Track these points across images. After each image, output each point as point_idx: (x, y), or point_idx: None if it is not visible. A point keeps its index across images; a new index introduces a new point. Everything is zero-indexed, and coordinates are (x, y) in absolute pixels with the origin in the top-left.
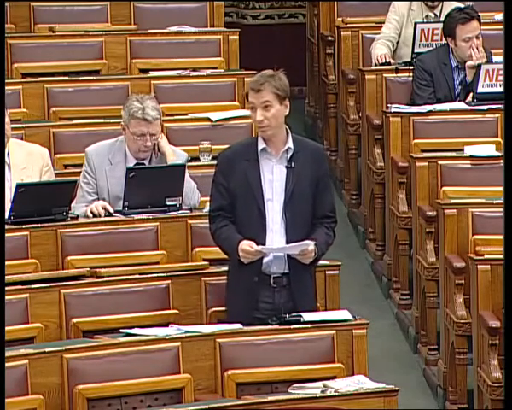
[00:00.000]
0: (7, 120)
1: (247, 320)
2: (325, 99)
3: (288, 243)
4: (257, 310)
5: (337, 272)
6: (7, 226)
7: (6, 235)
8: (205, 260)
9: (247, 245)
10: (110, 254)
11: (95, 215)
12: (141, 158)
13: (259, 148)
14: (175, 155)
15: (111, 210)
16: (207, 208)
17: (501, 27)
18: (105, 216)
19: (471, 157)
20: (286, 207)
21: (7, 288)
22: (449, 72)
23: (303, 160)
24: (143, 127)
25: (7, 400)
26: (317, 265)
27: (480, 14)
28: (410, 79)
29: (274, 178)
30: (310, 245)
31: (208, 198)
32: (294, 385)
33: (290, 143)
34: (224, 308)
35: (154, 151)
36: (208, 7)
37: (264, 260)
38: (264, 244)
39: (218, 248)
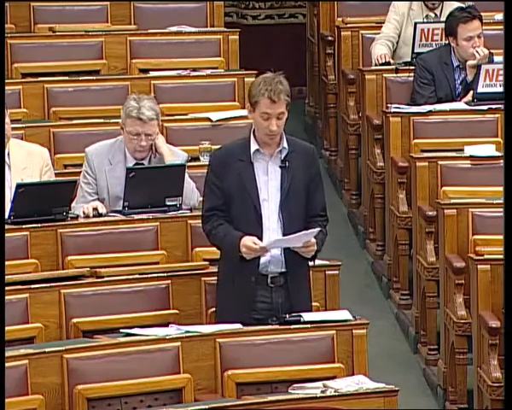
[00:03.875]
0: (7, 120)
1: (245, 321)
2: (325, 99)
3: None
4: (254, 310)
5: (337, 272)
6: (7, 226)
7: (6, 235)
8: (205, 260)
9: (250, 241)
10: (110, 254)
11: (86, 215)
12: (138, 158)
13: (252, 149)
14: (173, 155)
15: (100, 211)
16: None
17: (501, 27)
18: (93, 217)
19: (471, 157)
20: (282, 206)
21: (7, 288)
22: (450, 71)
23: (296, 159)
24: (138, 127)
25: (7, 400)
26: (313, 264)
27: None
28: (410, 79)
29: (269, 178)
30: (312, 234)
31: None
32: (294, 385)
33: (285, 144)
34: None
35: (153, 152)
36: (208, 7)
37: (262, 260)
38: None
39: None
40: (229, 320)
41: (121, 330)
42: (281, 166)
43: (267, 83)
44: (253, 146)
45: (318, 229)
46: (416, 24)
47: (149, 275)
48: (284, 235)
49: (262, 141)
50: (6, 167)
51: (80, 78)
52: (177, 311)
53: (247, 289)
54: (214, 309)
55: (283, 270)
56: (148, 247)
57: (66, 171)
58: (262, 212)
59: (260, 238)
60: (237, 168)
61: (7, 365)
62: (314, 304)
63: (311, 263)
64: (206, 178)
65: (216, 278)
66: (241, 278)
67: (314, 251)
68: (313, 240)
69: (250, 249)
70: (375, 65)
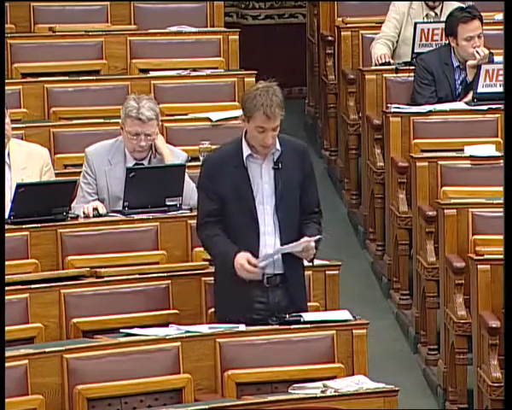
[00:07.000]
0: (7, 120)
1: (244, 321)
2: (325, 99)
3: (281, 243)
4: (252, 311)
5: (337, 272)
6: (7, 226)
7: (6, 235)
8: (204, 260)
9: (244, 259)
10: (110, 254)
11: (86, 215)
12: (137, 158)
13: (245, 154)
14: (173, 155)
15: (101, 211)
16: None
17: (501, 27)
18: (93, 217)
19: (471, 157)
20: (277, 208)
21: (7, 288)
22: (450, 71)
23: (289, 159)
24: (137, 127)
25: (7, 400)
26: (312, 265)
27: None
28: (410, 79)
29: (263, 181)
30: (312, 240)
31: None
32: (294, 385)
33: (277, 145)
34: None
35: (153, 152)
36: (208, 7)
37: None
38: (257, 247)
39: None
40: (231, 322)
41: (121, 330)
42: (274, 168)
43: (263, 97)
44: (246, 151)
45: (318, 236)
46: (415, 24)
47: (149, 275)
48: (280, 236)
49: (256, 149)
50: (6, 167)
51: (80, 78)
52: (177, 311)
53: (243, 291)
54: (214, 310)
55: (280, 271)
56: (148, 247)
57: (67, 171)
58: (258, 216)
59: (257, 242)
60: (231, 173)
61: (7, 365)
62: (314, 304)
63: (309, 264)
64: (198, 183)
65: (213, 279)
66: (237, 280)
67: (313, 254)
68: (312, 244)
69: (243, 268)
70: (375, 65)
